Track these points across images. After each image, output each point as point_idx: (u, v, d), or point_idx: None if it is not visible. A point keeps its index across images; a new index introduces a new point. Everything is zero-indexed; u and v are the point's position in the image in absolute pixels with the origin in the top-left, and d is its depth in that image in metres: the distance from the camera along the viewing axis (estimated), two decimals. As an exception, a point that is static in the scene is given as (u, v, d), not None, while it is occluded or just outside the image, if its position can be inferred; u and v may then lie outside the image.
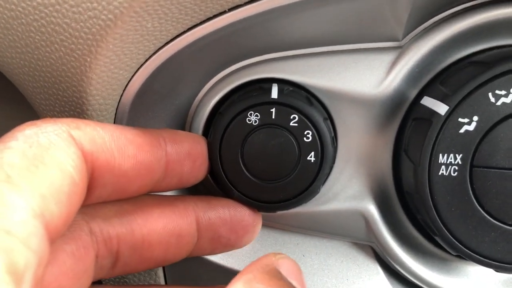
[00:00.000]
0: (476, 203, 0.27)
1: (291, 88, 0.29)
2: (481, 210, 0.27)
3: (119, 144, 0.22)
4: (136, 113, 0.28)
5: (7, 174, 0.17)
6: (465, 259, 0.29)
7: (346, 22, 0.28)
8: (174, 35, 0.25)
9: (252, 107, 0.28)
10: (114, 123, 0.28)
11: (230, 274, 0.32)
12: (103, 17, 0.22)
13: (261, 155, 0.29)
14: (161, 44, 0.25)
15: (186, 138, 0.27)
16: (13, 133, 0.19)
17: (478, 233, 0.28)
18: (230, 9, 0.24)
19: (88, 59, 0.24)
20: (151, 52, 0.25)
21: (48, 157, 0.18)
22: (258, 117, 0.29)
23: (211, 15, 0.24)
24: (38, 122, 0.20)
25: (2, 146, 0.18)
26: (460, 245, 0.28)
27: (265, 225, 0.33)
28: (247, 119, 0.29)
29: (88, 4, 0.22)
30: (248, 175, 0.29)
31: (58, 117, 0.28)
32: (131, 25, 0.23)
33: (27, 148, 0.18)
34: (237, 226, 0.29)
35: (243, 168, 0.29)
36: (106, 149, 0.22)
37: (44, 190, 0.18)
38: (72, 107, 0.27)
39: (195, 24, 0.24)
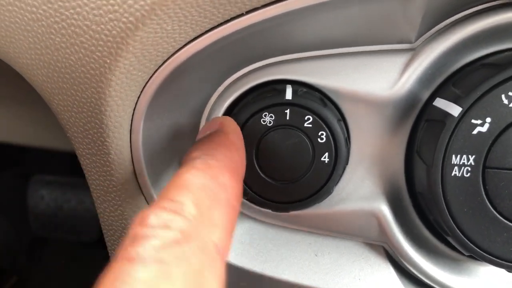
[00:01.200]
0: (488, 204, 0.28)
1: (305, 90, 0.30)
2: (494, 211, 0.28)
3: None
4: (153, 113, 0.28)
5: None
6: (477, 259, 0.29)
7: (360, 24, 0.28)
8: (193, 37, 0.25)
9: (266, 108, 0.29)
10: (131, 123, 0.28)
11: (242, 273, 0.33)
12: (124, 19, 0.23)
13: (275, 156, 0.29)
14: (179, 46, 0.25)
15: None
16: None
17: (491, 233, 0.28)
18: (248, 12, 0.24)
19: (108, 61, 0.24)
20: (170, 54, 0.26)
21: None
22: (273, 118, 0.29)
23: (229, 18, 0.24)
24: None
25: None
26: (472, 245, 0.28)
27: (278, 225, 0.34)
28: (261, 120, 0.29)
29: (109, 6, 0.22)
30: (263, 175, 0.30)
31: (76, 117, 0.28)
32: (152, 27, 0.23)
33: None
34: None
35: (258, 169, 0.29)
36: None
37: None
38: (90, 107, 0.27)
39: (213, 26, 0.25)
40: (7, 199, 0.88)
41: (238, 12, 0.24)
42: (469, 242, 0.28)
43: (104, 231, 0.33)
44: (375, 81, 0.29)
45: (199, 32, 0.25)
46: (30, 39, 0.26)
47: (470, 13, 0.28)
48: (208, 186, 0.22)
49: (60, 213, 0.89)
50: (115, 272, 0.18)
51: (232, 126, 0.28)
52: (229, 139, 0.26)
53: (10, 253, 0.89)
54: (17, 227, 0.89)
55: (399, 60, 0.29)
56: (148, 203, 0.31)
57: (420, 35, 0.29)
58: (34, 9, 0.24)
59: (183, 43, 0.25)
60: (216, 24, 0.25)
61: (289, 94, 0.29)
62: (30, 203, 0.89)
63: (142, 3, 0.22)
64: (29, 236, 0.92)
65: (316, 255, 0.33)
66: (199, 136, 0.28)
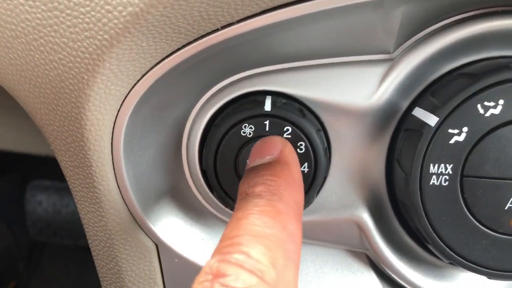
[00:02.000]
0: (467, 212, 0.28)
1: (284, 101, 0.30)
2: (472, 219, 0.28)
3: None
4: (134, 126, 0.29)
5: None
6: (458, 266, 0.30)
7: (338, 36, 0.28)
8: (169, 52, 0.25)
9: (246, 120, 0.29)
10: (111, 136, 0.28)
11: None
12: (99, 37, 0.23)
13: (255, 166, 0.30)
14: (157, 61, 0.26)
15: None
16: None
17: (470, 241, 0.28)
18: (223, 27, 0.25)
19: (86, 77, 0.25)
20: (147, 69, 0.26)
21: None
22: (253, 129, 0.29)
23: (204, 33, 0.25)
24: None
25: None
26: (452, 253, 0.28)
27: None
28: (241, 131, 0.29)
29: (85, 25, 0.23)
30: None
31: (58, 131, 0.28)
32: (126, 44, 0.23)
33: None
34: None
35: (238, 179, 0.30)
36: None
37: None
38: (71, 122, 0.27)
39: (189, 41, 0.25)
40: (5, 204, 0.89)
41: (213, 28, 0.25)
42: (448, 250, 0.28)
43: (89, 241, 0.33)
44: (354, 91, 0.30)
45: (175, 47, 0.25)
46: (10, 55, 0.26)
47: (448, 23, 0.29)
48: (281, 239, 0.21)
49: (58, 218, 0.90)
50: None
51: (294, 157, 0.27)
52: (294, 177, 0.26)
53: (8, 258, 0.89)
54: (16, 232, 0.90)
55: (378, 71, 0.29)
56: (132, 215, 0.31)
57: (398, 45, 0.29)
58: (13, 27, 0.25)
59: (160, 58, 0.26)
60: (192, 39, 0.25)
61: (268, 106, 0.29)
62: (28, 209, 0.89)
63: (115, 21, 0.22)
64: (27, 241, 0.92)
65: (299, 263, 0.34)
66: (255, 158, 0.27)
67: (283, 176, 0.25)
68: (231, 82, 0.31)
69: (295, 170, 0.26)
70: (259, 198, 0.23)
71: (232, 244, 0.20)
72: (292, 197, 0.24)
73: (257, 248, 0.20)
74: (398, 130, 0.30)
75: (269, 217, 0.22)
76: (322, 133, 0.30)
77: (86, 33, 0.23)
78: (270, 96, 0.30)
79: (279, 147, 0.27)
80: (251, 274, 0.19)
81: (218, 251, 0.21)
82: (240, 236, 0.21)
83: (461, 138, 0.27)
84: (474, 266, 0.29)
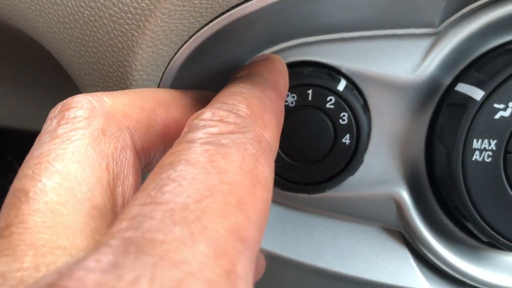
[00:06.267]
0: (509, 190, 0.28)
1: (327, 72, 0.30)
2: (514, 197, 0.28)
3: None
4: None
5: None
6: (496, 246, 0.29)
7: (383, 7, 0.28)
8: (219, 13, 0.25)
9: (289, 89, 0.29)
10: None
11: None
12: (153, -9, 0.23)
13: (296, 136, 0.29)
14: (205, 22, 0.26)
15: None
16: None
17: (511, 219, 0.28)
18: (274, -12, 0.25)
19: (136, 34, 0.25)
20: (195, 30, 0.26)
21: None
22: (295, 98, 0.29)
23: (255, -6, 0.25)
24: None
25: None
26: (491, 231, 0.28)
27: (296, 207, 0.34)
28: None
29: (140, -22, 0.23)
30: (283, 155, 0.30)
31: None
32: (180, 0, 0.23)
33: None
34: None
35: (279, 149, 0.30)
36: None
37: None
38: (116, 82, 0.27)
39: (239, 2, 0.25)
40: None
41: (265, -12, 0.25)
42: (488, 228, 0.28)
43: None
44: (397, 64, 0.29)
45: (225, 8, 0.25)
46: (59, 12, 0.26)
47: (494, -1, 0.29)
48: (257, 95, 0.23)
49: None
50: (175, 151, 0.18)
51: (278, 57, 0.29)
52: (276, 66, 0.28)
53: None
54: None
55: (422, 44, 0.29)
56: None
57: (443, 19, 0.29)
58: (65, -18, 0.25)
59: (209, 19, 0.26)
60: (243, 0, 0.25)
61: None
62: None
63: (171, -26, 0.22)
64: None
65: (333, 239, 0.33)
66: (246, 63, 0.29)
67: (264, 64, 0.28)
68: (272, 52, 0.31)
69: (280, 65, 0.28)
70: (240, 77, 0.25)
71: (213, 101, 0.22)
72: (273, 77, 0.26)
73: (234, 98, 0.22)
74: (440, 106, 0.30)
75: (246, 83, 0.24)
76: (364, 105, 0.30)
77: (140, -13, 0.23)
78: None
79: (267, 55, 0.30)
80: (227, 111, 0.20)
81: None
82: (220, 96, 0.22)
83: (507, 113, 0.27)
84: (514, 245, 0.28)
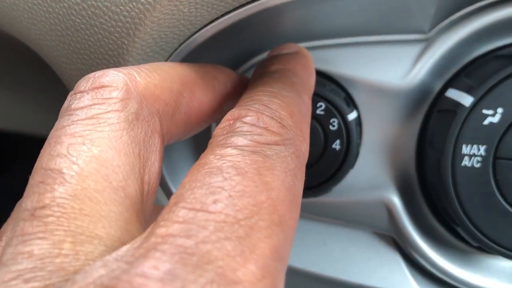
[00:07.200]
0: (498, 195, 0.28)
1: (317, 77, 0.30)
2: (503, 202, 0.28)
3: None
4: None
5: None
6: (485, 250, 0.29)
7: (374, 13, 0.28)
8: (208, 20, 0.26)
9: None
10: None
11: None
12: (142, 0, 0.23)
13: (287, 142, 0.30)
14: (195, 30, 0.26)
15: None
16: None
17: (500, 224, 0.28)
18: (263, -4, 0.25)
19: (126, 42, 0.25)
20: (185, 37, 0.26)
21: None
22: (286, 105, 0.29)
23: (245, 2, 0.25)
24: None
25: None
26: (481, 235, 0.28)
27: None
28: (274, 106, 0.29)
29: (129, -13, 0.23)
30: (274, 161, 0.30)
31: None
32: (169, 9, 0.24)
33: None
34: None
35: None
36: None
37: None
38: (107, 89, 0.28)
39: (228, 10, 0.25)
40: (20, 192, 0.89)
41: (253, -4, 0.25)
42: (477, 232, 0.28)
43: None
44: (388, 70, 0.30)
45: (215, 16, 0.25)
46: (51, 20, 0.26)
47: (484, 5, 0.29)
48: (297, 102, 0.22)
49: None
50: (223, 155, 0.18)
51: (309, 54, 0.28)
52: (309, 63, 0.27)
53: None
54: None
55: (413, 50, 0.29)
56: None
57: (433, 25, 0.29)
58: (56, -9, 0.25)
59: (199, 27, 0.26)
60: (231, 8, 0.25)
61: None
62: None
63: (160, -16, 0.23)
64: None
65: (325, 243, 0.34)
66: (273, 52, 0.28)
67: (300, 60, 0.26)
68: (262, 59, 0.31)
69: (312, 63, 0.28)
70: (275, 72, 0.24)
71: (251, 99, 0.21)
72: (307, 77, 0.25)
73: (275, 102, 0.21)
74: (431, 112, 0.30)
75: (285, 84, 0.23)
76: (355, 111, 0.30)
77: (129, -4, 0.23)
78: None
79: (297, 47, 0.28)
80: (271, 119, 0.20)
81: (238, 105, 0.21)
82: (259, 94, 0.22)
83: (495, 119, 0.27)
84: (503, 250, 0.28)
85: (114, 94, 0.19)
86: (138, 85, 0.20)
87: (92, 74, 0.20)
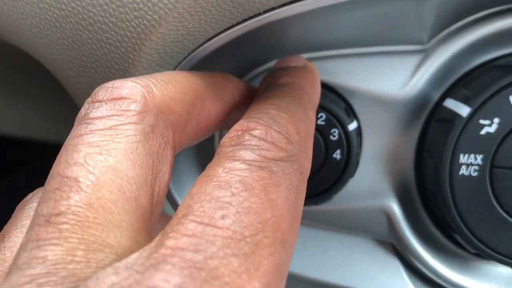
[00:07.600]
0: (495, 203, 0.28)
1: (319, 88, 0.31)
2: (500, 210, 0.28)
3: None
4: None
5: None
6: (483, 257, 0.30)
7: (373, 25, 0.29)
8: (212, 35, 0.26)
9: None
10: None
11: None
12: (148, 17, 0.24)
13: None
14: (199, 44, 0.27)
15: None
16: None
17: (497, 231, 0.29)
18: (265, 11, 0.25)
19: (132, 56, 0.26)
20: (190, 51, 0.27)
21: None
22: (287, 115, 0.30)
23: (247, 17, 0.26)
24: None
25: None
26: (478, 243, 0.29)
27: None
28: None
29: (135, 5, 0.24)
30: (276, 170, 0.31)
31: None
32: (174, 25, 0.24)
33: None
34: None
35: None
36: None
37: None
38: (113, 101, 0.28)
39: (231, 25, 0.26)
40: (23, 195, 0.89)
41: (256, 12, 0.25)
42: (475, 240, 0.29)
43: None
44: (387, 81, 0.30)
45: (218, 31, 0.26)
46: (58, 34, 0.27)
47: (482, 16, 0.29)
48: (303, 117, 0.23)
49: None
50: (231, 169, 0.18)
51: (316, 69, 0.29)
52: (316, 79, 0.28)
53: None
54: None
55: (411, 61, 0.30)
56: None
57: (432, 36, 0.30)
58: (63, 6, 0.26)
59: (203, 41, 0.27)
60: (234, 23, 0.26)
61: None
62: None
63: (165, 1, 0.23)
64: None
65: (327, 250, 0.34)
66: (281, 64, 0.29)
67: (307, 76, 0.27)
68: (265, 70, 0.32)
69: (318, 78, 0.28)
70: (285, 85, 0.25)
71: (260, 111, 0.22)
72: (312, 92, 0.26)
73: (283, 117, 0.21)
74: (429, 121, 0.31)
75: (293, 99, 0.24)
76: (355, 121, 0.31)
77: (135, 13, 0.24)
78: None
79: (305, 61, 0.29)
80: (279, 134, 0.20)
81: (246, 117, 0.22)
82: (268, 107, 0.22)
83: (492, 129, 0.28)
84: (500, 256, 0.29)
85: (132, 106, 0.19)
86: (155, 97, 0.20)
87: (110, 84, 0.20)
